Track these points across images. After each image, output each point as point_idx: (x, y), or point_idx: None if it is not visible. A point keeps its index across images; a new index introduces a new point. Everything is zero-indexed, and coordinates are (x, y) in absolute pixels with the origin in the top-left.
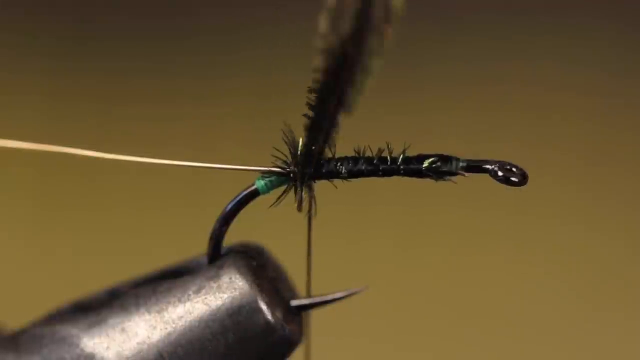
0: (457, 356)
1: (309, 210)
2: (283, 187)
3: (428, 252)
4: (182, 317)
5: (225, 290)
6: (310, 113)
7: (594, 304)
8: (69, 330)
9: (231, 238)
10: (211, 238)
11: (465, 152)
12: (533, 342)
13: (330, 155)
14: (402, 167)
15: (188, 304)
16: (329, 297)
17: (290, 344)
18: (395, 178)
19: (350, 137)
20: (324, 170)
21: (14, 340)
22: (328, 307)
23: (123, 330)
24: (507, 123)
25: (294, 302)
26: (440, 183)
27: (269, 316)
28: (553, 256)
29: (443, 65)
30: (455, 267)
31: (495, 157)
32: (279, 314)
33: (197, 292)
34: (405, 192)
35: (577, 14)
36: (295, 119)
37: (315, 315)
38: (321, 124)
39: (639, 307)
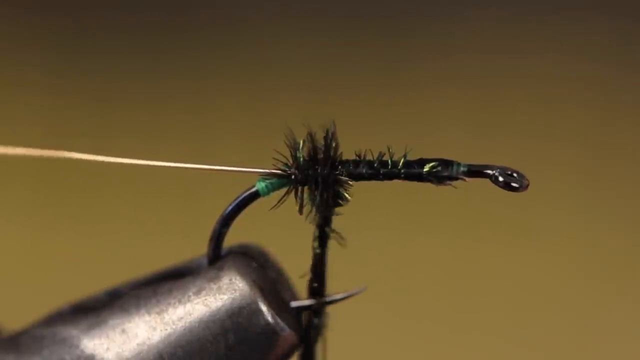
0: (459, 355)
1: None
2: (284, 189)
3: (428, 251)
4: (182, 318)
5: (225, 292)
6: None
7: (595, 300)
8: (69, 331)
9: (232, 239)
10: (211, 239)
11: (466, 147)
12: (535, 338)
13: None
14: (402, 171)
15: (188, 305)
16: (329, 299)
17: (291, 345)
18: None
19: (350, 139)
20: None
21: (14, 341)
22: (328, 308)
23: (123, 331)
24: (508, 117)
25: (294, 303)
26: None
27: (269, 317)
28: (554, 250)
29: (442, 62)
30: (455, 266)
31: (496, 152)
32: (279, 315)
33: (197, 293)
34: (405, 188)
35: (576, 7)
36: (296, 118)
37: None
38: None
39: None
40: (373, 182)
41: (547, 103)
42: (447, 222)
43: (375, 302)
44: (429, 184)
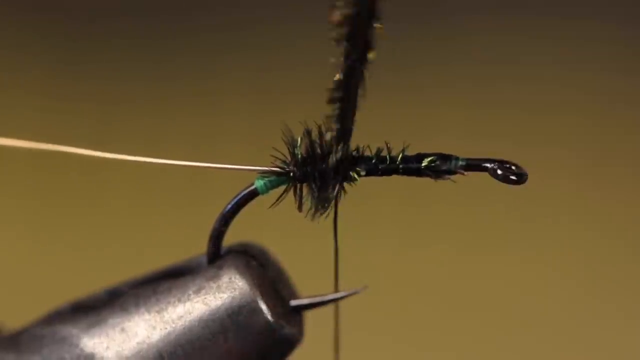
0: (459, 356)
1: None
2: (283, 187)
3: (429, 252)
4: (181, 317)
5: (225, 290)
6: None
7: (595, 302)
8: (69, 330)
9: (232, 238)
10: (211, 238)
11: (464, 151)
12: (536, 339)
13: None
14: (401, 166)
15: (188, 304)
16: (329, 297)
17: (290, 344)
18: (394, 176)
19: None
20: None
21: (14, 340)
22: (328, 307)
23: (123, 330)
24: (506, 122)
25: (294, 302)
26: (442, 181)
27: (269, 316)
28: (553, 254)
29: (442, 64)
30: (455, 266)
31: (495, 156)
32: (278, 314)
33: (197, 292)
34: (405, 189)
35: (575, 13)
36: (295, 117)
37: (316, 315)
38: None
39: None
40: (373, 184)
41: (546, 108)
42: (447, 223)
43: (376, 302)
44: (430, 181)
